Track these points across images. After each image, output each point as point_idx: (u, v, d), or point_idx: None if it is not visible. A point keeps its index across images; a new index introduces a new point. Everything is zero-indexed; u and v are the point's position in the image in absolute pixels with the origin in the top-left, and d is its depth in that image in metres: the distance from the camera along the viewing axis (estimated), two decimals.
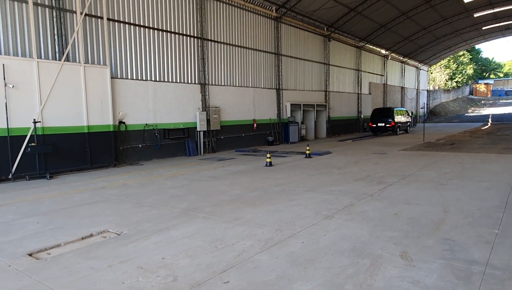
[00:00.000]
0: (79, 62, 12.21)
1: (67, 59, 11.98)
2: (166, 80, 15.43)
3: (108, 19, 13.17)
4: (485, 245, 4.69)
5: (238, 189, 8.79)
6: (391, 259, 4.34)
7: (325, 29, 26.30)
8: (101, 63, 12.98)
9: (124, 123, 13.81)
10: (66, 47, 11.93)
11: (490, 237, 4.97)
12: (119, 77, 13.66)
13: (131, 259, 4.59)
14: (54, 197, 8.48)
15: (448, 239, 4.93)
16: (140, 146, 14.49)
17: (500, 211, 6.22)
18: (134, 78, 14.21)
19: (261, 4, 20.19)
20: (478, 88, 77.13)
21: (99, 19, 12.91)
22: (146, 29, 14.58)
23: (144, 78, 14.56)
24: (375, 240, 4.99)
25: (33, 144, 10.87)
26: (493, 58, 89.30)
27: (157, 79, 15.07)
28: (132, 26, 14.06)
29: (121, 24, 13.71)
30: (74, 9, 12.20)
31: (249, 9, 19.64)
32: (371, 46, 33.22)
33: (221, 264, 4.33)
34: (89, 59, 12.70)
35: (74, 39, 12.16)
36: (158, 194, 8.46)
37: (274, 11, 21.15)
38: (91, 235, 5.69)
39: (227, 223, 5.99)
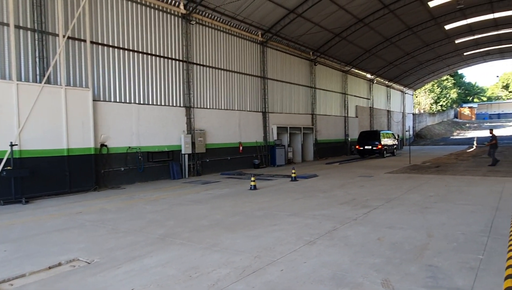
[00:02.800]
0: (60, 85, 12.02)
1: (48, 82, 11.79)
2: (150, 102, 15.29)
3: (92, 42, 13.10)
4: (469, 271, 4.52)
5: (219, 213, 8.54)
6: (372, 287, 4.14)
7: (311, 53, 26.73)
8: (83, 86, 12.82)
9: (106, 146, 13.53)
10: (47, 70, 11.76)
11: (474, 263, 4.81)
12: (101, 99, 13.49)
13: None
14: (26, 223, 8.10)
15: (431, 266, 4.76)
16: (123, 169, 14.16)
17: (485, 235, 6.09)
18: (118, 100, 14.05)
19: (247, 29, 20.46)
20: (462, 112, 78.85)
21: (82, 42, 12.84)
22: (131, 52, 14.55)
23: (127, 101, 14.40)
24: (356, 267, 4.79)
25: (8, 167, 10.50)
26: (476, 82, 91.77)
27: (141, 102, 14.93)
28: (116, 49, 14.02)
29: (105, 47, 13.65)
30: (56, 32, 12.12)
31: (235, 33, 19.88)
32: (356, 70, 33.82)
33: None
34: (71, 81, 12.54)
35: (56, 61, 12.02)
36: (136, 219, 8.15)
37: (260, 36, 21.45)
38: (59, 264, 5.37)
39: (204, 250, 5.73)
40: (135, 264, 5.21)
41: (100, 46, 13.50)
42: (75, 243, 6.35)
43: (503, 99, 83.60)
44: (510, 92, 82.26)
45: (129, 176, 14.42)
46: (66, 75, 12.37)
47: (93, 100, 12.99)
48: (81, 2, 12.68)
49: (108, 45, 13.75)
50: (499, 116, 77.81)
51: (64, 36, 12.17)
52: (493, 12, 26.93)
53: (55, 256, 5.66)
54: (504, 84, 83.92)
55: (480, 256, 5.06)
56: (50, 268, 5.23)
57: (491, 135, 18.56)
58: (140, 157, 14.67)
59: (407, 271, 4.61)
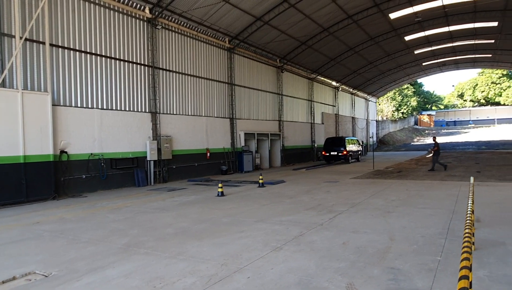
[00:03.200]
0: (17, 88, 11.43)
1: (3, 85, 11.20)
2: (114, 108, 14.87)
3: (51, 45, 12.59)
4: (428, 273, 4.70)
5: (185, 221, 8.40)
6: None
7: (278, 60, 27.08)
8: (42, 90, 12.27)
9: (66, 152, 12.99)
10: (3, 73, 11.16)
11: (433, 264, 5.01)
12: (62, 104, 12.97)
13: None
14: None
15: (393, 268, 4.90)
16: (84, 176, 13.64)
17: (443, 237, 6.36)
18: (79, 105, 13.56)
19: (214, 35, 20.43)
20: (422, 119, 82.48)
21: (41, 44, 12.31)
22: (93, 55, 14.11)
23: (89, 106, 13.93)
24: (322, 272, 4.85)
25: None
26: (434, 91, 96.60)
27: (104, 107, 14.48)
28: (77, 52, 13.55)
29: (66, 50, 13.17)
30: (13, 33, 11.55)
31: (202, 39, 19.79)
32: (322, 78, 34.59)
33: None
34: (29, 85, 11.97)
35: (12, 64, 11.44)
36: (98, 228, 7.86)
37: (227, 42, 21.48)
38: (14, 278, 5.07)
39: (169, 259, 5.61)
40: (96, 275, 5.02)
41: (60, 49, 13.00)
42: (31, 255, 6.03)
43: (459, 107, 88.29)
44: (464, 100, 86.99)
45: (91, 184, 13.90)
46: (23, 78, 11.80)
47: (53, 105, 12.46)
48: (40, 3, 12.17)
49: (69, 48, 13.26)
50: (455, 123, 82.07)
51: (21, 38, 11.61)
52: (448, 26, 28.49)
53: (9, 269, 5.35)
54: (459, 93, 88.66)
55: (438, 258, 5.27)
56: (3, 282, 4.93)
57: (434, 142, 19.74)
58: (102, 164, 14.19)
59: (370, 274, 4.72)
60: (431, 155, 19.70)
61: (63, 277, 4.98)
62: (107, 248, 6.30)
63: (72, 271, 5.21)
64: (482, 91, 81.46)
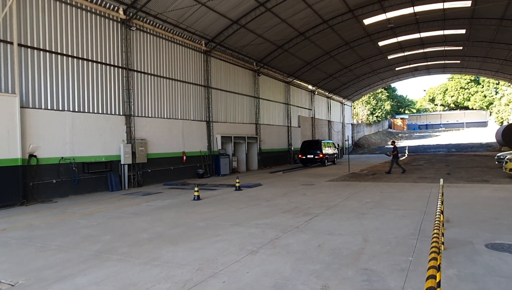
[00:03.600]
0: None
1: None
2: (86, 110, 14.49)
3: (20, 45, 12.15)
4: (400, 273, 4.79)
5: (160, 225, 8.25)
6: None
7: (255, 64, 27.16)
8: (10, 91, 11.81)
9: (35, 156, 12.53)
10: None
11: (405, 264, 5.11)
12: (31, 106, 12.52)
13: None
14: None
15: (366, 269, 4.97)
16: (55, 181, 13.20)
17: (414, 238, 6.52)
18: (49, 108, 13.13)
19: (190, 38, 20.29)
20: (395, 122, 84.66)
21: (8, 44, 11.85)
22: (64, 56, 13.72)
23: (60, 108, 13.51)
24: (297, 275, 4.86)
25: None
26: (406, 95, 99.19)
27: (76, 110, 14.08)
28: (48, 53, 13.14)
29: (35, 50, 12.74)
30: None
31: (178, 41, 19.62)
32: (298, 82, 34.94)
33: None
34: None
35: None
36: (69, 235, 7.60)
37: (203, 45, 21.37)
38: None
39: (143, 265, 5.49)
40: (66, 283, 4.85)
41: (30, 50, 12.56)
42: None
43: (430, 111, 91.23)
44: (435, 105, 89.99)
45: (62, 189, 13.46)
46: None
47: (21, 107, 12.02)
48: (7, 1, 11.73)
49: (39, 49, 12.84)
50: (427, 126, 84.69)
51: None
52: (419, 32, 29.41)
53: None
54: (430, 98, 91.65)
55: (410, 258, 5.39)
56: None
57: (393, 146, 20.65)
58: (74, 168, 13.78)
59: (344, 275, 4.77)
60: (390, 158, 20.63)
61: (30, 286, 4.79)
62: (78, 255, 6.10)
63: (40, 279, 5.02)
64: (452, 96, 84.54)
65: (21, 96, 12.16)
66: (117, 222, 8.78)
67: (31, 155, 12.42)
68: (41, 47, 12.93)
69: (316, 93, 39.51)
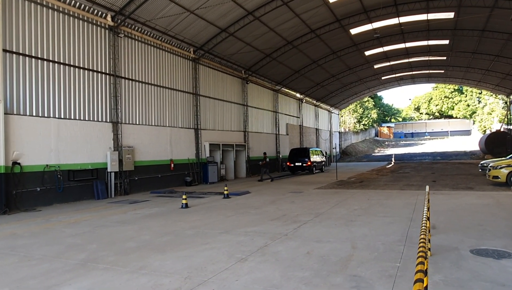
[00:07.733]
0: None
1: None
2: (72, 117, 14.30)
3: (5, 50, 11.97)
4: (388, 279, 4.83)
5: (148, 234, 8.15)
6: None
7: (243, 72, 27.28)
8: None
9: (19, 164, 12.29)
10: None
11: (392, 270, 5.16)
12: (15, 113, 12.30)
13: None
14: None
15: (355, 276, 4.99)
16: (39, 189, 12.94)
17: (402, 244, 6.58)
18: (34, 114, 12.92)
19: (178, 45, 20.30)
20: (382, 131, 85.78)
21: None
22: (51, 63, 13.56)
23: (46, 115, 13.31)
24: (286, 282, 4.85)
25: None
26: (392, 104, 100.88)
27: (62, 116, 13.89)
28: (33, 59, 12.96)
29: (21, 56, 12.56)
30: None
31: (167, 49, 19.60)
32: (287, 90, 35.17)
33: None
34: None
35: None
36: (53, 244, 7.45)
37: (192, 52, 21.39)
38: None
39: (130, 274, 5.41)
40: None
41: (15, 55, 12.38)
42: None
43: (415, 120, 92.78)
44: (421, 113, 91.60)
45: (47, 197, 13.20)
46: None
47: (5, 114, 11.80)
48: None
49: (24, 54, 12.66)
50: (412, 135, 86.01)
51: None
52: (404, 42, 30.01)
53: None
54: (416, 106, 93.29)
55: (398, 264, 5.44)
56: None
57: (264, 156, 23.47)
58: (59, 175, 13.55)
59: (333, 282, 4.79)
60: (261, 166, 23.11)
61: None
62: (63, 265, 5.97)
63: None
64: (437, 105, 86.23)
65: (5, 102, 11.95)
66: (104, 231, 8.64)
67: (15, 163, 12.17)
68: (27, 53, 12.76)
69: (304, 101, 39.81)
